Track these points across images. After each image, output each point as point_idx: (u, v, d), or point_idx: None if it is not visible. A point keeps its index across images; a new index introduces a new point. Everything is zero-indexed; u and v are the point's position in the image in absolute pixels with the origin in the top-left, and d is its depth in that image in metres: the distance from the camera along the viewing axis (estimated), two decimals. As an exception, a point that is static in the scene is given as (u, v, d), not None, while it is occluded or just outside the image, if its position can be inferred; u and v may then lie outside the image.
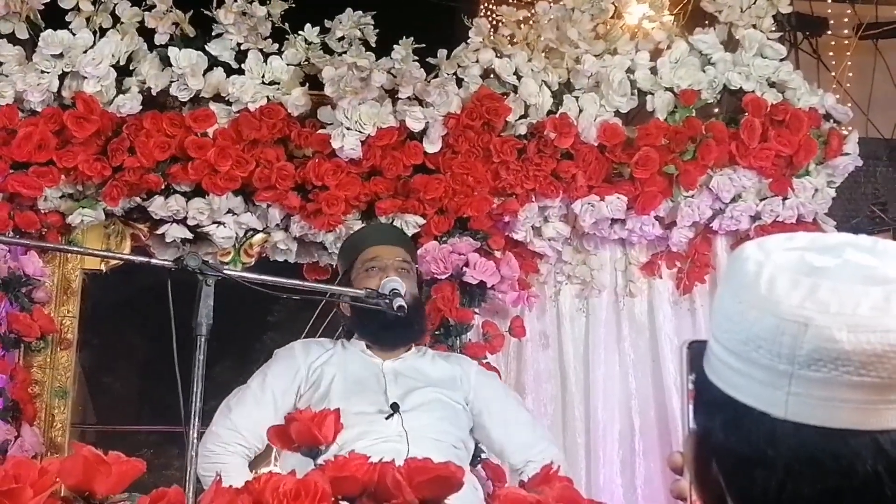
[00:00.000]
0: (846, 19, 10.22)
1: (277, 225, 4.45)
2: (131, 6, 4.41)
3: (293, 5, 4.48)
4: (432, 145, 4.44)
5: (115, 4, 4.39)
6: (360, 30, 4.47)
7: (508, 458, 3.72)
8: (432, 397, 3.57)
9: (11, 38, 4.35)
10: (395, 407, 3.46)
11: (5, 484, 2.07)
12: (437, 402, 3.57)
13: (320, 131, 4.39)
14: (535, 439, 3.70)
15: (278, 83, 4.41)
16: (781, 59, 4.81)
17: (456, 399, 3.64)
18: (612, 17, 4.76)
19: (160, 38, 4.41)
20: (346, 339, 3.81)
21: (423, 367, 3.71)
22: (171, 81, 4.34)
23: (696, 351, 1.18)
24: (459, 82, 4.55)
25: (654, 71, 4.67)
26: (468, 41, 4.59)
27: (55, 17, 4.38)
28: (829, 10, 10.26)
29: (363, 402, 3.47)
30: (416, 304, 3.67)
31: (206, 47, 4.41)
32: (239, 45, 4.44)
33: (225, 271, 3.06)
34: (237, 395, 3.59)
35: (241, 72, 4.40)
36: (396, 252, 3.76)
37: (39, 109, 4.26)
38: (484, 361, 4.28)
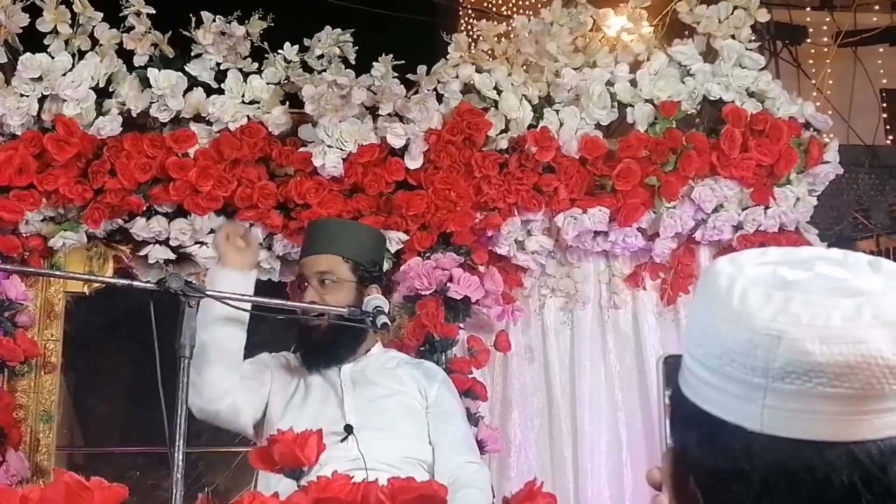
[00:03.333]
0: (825, 27, 10.29)
1: (260, 244, 4.44)
2: (109, 28, 4.41)
3: (272, 24, 4.48)
4: (414, 161, 4.44)
5: (94, 27, 4.38)
6: (339, 47, 4.47)
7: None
8: (390, 406, 3.46)
9: (-10, 62, 4.34)
10: (348, 429, 3.34)
11: (-13, 511, 2.06)
12: (394, 412, 3.45)
13: (301, 149, 4.39)
14: (455, 466, 3.44)
15: (258, 102, 4.41)
16: (760, 69, 4.83)
17: (414, 404, 3.52)
18: (591, 31, 4.77)
19: (139, 60, 4.41)
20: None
21: (383, 371, 3.60)
22: (151, 102, 4.33)
23: (672, 366, 1.18)
24: (440, 98, 4.55)
25: (633, 83, 4.69)
26: (448, 57, 4.60)
27: (33, 41, 4.37)
28: (809, 19, 10.32)
29: (319, 422, 3.25)
30: (339, 326, 3.49)
31: (185, 68, 4.40)
32: (218, 64, 4.44)
33: (207, 292, 3.07)
34: None
35: (221, 91, 4.40)
36: (318, 263, 3.59)
37: (19, 133, 4.25)
38: (470, 377, 4.27)
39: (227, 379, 3.37)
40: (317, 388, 3.53)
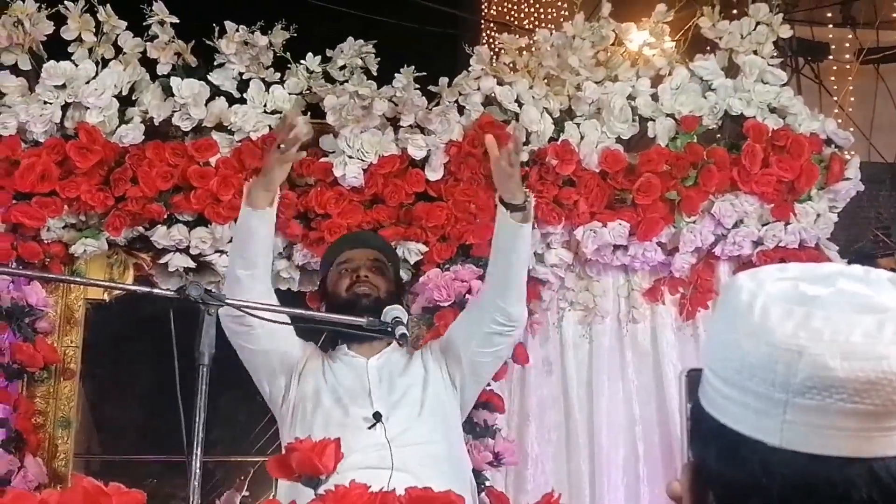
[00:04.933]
0: (847, 44, 10.26)
1: (280, 253, 4.45)
2: (133, 37, 4.43)
3: (295, 35, 4.50)
4: (434, 173, 4.44)
5: (118, 35, 4.41)
6: (361, 58, 4.49)
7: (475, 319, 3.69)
8: (416, 396, 3.57)
9: (14, 70, 4.37)
10: (377, 416, 3.44)
11: (6, 516, 2.07)
12: (420, 400, 3.56)
13: (322, 160, 4.40)
14: None
15: (280, 112, 4.42)
16: (782, 85, 4.82)
17: (438, 388, 3.63)
18: (613, 45, 4.77)
19: (162, 69, 4.43)
20: (330, 348, 3.81)
21: (407, 361, 3.71)
22: (174, 111, 4.35)
23: (694, 379, 1.18)
24: (461, 110, 4.56)
25: (655, 97, 4.68)
26: (469, 69, 4.60)
27: (58, 48, 4.40)
28: (831, 36, 10.29)
29: (346, 411, 3.49)
30: (392, 299, 3.65)
31: (208, 77, 4.42)
32: (241, 74, 4.46)
33: (227, 301, 3.07)
34: None
35: (243, 101, 4.42)
36: (367, 253, 3.84)
37: (42, 140, 4.28)
38: (487, 389, 4.27)
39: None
40: (345, 377, 3.61)
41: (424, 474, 3.20)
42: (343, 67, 4.49)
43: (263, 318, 3.36)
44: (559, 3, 10.92)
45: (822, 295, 1.06)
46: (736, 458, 1.07)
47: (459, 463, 3.58)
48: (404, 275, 4.33)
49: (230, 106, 4.39)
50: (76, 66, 4.32)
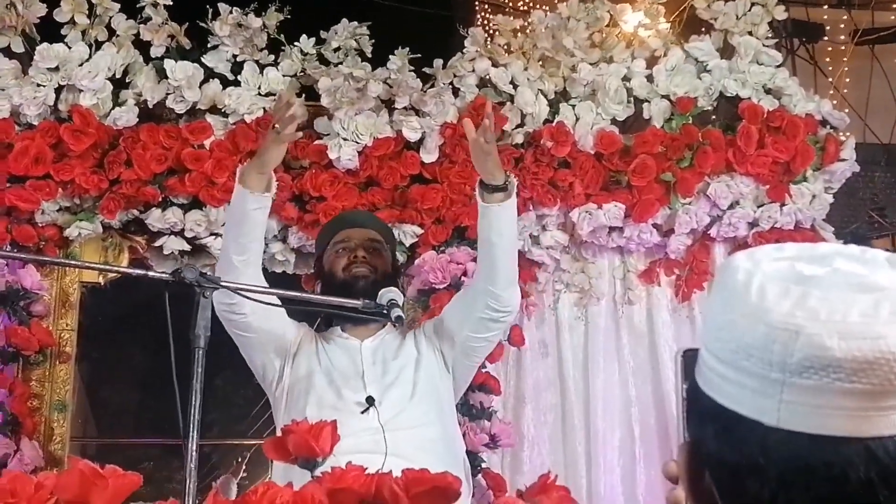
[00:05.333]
0: (842, 25, 10.23)
1: (275, 236, 4.45)
2: (127, 19, 4.42)
3: (289, 17, 4.49)
4: (429, 155, 4.44)
5: (111, 17, 4.40)
6: (355, 40, 4.48)
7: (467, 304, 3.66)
8: (408, 377, 3.54)
9: (7, 52, 4.36)
10: (370, 400, 3.42)
11: (1, 499, 2.06)
12: (413, 382, 3.53)
13: (317, 142, 4.40)
14: None
15: (274, 94, 4.40)
16: (777, 66, 4.82)
17: (432, 370, 3.61)
18: (608, 26, 4.77)
19: (156, 51, 4.43)
20: (323, 328, 3.79)
21: (400, 343, 3.68)
22: (168, 94, 4.35)
23: (690, 359, 1.18)
24: (456, 92, 4.56)
25: (650, 79, 4.68)
26: (464, 51, 4.60)
27: (51, 31, 4.39)
28: (826, 17, 10.27)
29: (339, 394, 3.47)
30: (389, 280, 3.62)
31: (201, 59, 4.42)
32: (235, 56, 4.45)
33: (222, 283, 3.07)
34: None
35: (237, 83, 4.41)
36: (365, 233, 3.79)
37: (36, 123, 4.27)
38: (483, 371, 4.27)
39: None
40: (339, 359, 3.59)
41: (418, 458, 3.19)
42: (337, 49, 4.48)
43: (259, 301, 3.35)
44: (554, -15, 10.89)
45: (819, 274, 1.06)
46: (733, 439, 1.07)
47: (453, 444, 3.57)
48: (400, 257, 4.32)
49: (224, 88, 4.39)
50: (69, 48, 4.31)
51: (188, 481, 2.62)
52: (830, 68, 9.99)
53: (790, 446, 1.03)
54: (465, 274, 4.36)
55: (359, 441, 3.23)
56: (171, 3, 4.43)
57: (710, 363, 1.11)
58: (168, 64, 4.34)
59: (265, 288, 3.41)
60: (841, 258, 1.09)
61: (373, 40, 4.50)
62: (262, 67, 4.45)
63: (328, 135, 4.39)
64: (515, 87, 4.56)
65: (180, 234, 4.37)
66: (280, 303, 3.51)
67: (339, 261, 3.69)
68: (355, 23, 4.51)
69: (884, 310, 1.01)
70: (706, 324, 1.13)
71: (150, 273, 3.29)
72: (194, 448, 2.68)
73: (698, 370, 1.14)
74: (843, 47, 10.11)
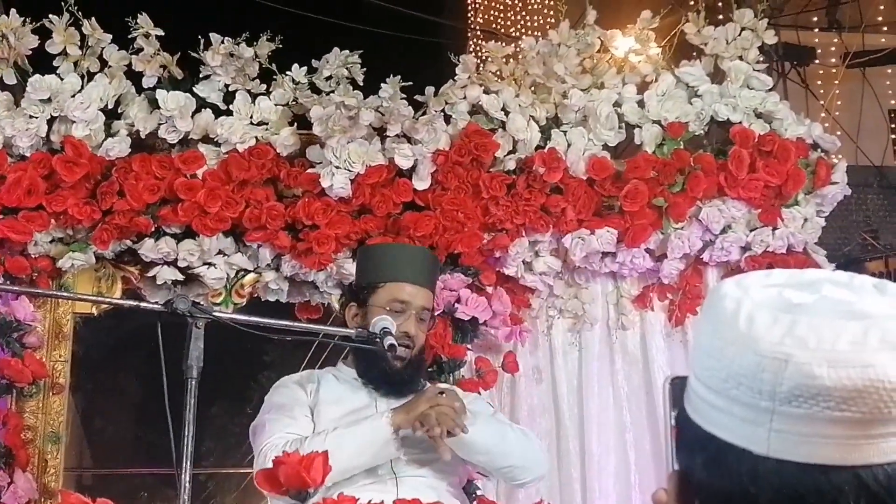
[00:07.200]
0: (833, 48, 10.29)
1: (268, 265, 4.44)
2: (119, 49, 4.42)
3: (280, 46, 4.50)
4: (421, 182, 4.44)
5: (103, 48, 4.40)
6: (347, 69, 4.48)
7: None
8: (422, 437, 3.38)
9: (-1, 84, 4.36)
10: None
11: (-6, 533, 2.06)
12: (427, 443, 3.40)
13: (309, 170, 4.39)
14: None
15: (267, 123, 4.41)
16: (768, 90, 4.83)
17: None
18: (599, 52, 4.77)
19: (148, 81, 4.42)
20: (340, 364, 3.73)
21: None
22: (160, 124, 4.34)
23: (678, 387, 1.18)
24: (447, 119, 4.56)
25: (641, 104, 4.69)
26: (455, 78, 4.60)
27: (43, 62, 4.38)
28: (817, 40, 10.33)
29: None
30: (419, 359, 3.58)
31: (193, 89, 4.41)
32: (227, 86, 4.45)
33: (215, 313, 3.07)
34: (269, 427, 3.39)
35: (229, 113, 4.41)
36: (425, 297, 3.64)
37: (28, 154, 4.26)
38: (479, 398, 4.26)
39: None
40: (349, 412, 3.48)
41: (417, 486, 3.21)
42: (329, 78, 4.48)
43: (254, 332, 3.31)
44: (545, 11, 10.94)
45: (808, 302, 1.06)
46: (723, 467, 1.07)
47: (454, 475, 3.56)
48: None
49: (216, 118, 4.38)
50: (61, 79, 4.31)
51: (182, 511, 2.62)
52: (822, 91, 10.04)
53: (780, 475, 1.03)
54: (458, 301, 4.36)
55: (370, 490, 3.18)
56: (163, 34, 4.43)
57: (700, 391, 1.11)
58: (160, 94, 4.34)
59: (259, 319, 3.39)
60: (829, 284, 1.09)
61: (364, 69, 4.50)
62: (253, 97, 4.45)
63: (320, 163, 4.39)
64: (507, 113, 4.56)
65: (173, 263, 4.36)
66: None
67: (386, 319, 3.48)
68: (346, 51, 4.50)
69: (873, 338, 1.01)
70: (695, 352, 1.14)
71: (143, 304, 3.28)
72: (187, 479, 2.68)
73: (687, 398, 1.14)
74: (833, 70, 10.16)
